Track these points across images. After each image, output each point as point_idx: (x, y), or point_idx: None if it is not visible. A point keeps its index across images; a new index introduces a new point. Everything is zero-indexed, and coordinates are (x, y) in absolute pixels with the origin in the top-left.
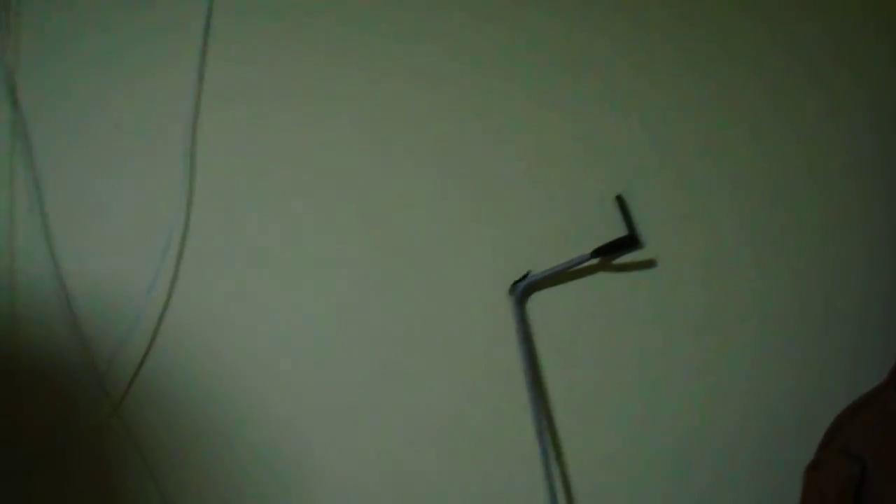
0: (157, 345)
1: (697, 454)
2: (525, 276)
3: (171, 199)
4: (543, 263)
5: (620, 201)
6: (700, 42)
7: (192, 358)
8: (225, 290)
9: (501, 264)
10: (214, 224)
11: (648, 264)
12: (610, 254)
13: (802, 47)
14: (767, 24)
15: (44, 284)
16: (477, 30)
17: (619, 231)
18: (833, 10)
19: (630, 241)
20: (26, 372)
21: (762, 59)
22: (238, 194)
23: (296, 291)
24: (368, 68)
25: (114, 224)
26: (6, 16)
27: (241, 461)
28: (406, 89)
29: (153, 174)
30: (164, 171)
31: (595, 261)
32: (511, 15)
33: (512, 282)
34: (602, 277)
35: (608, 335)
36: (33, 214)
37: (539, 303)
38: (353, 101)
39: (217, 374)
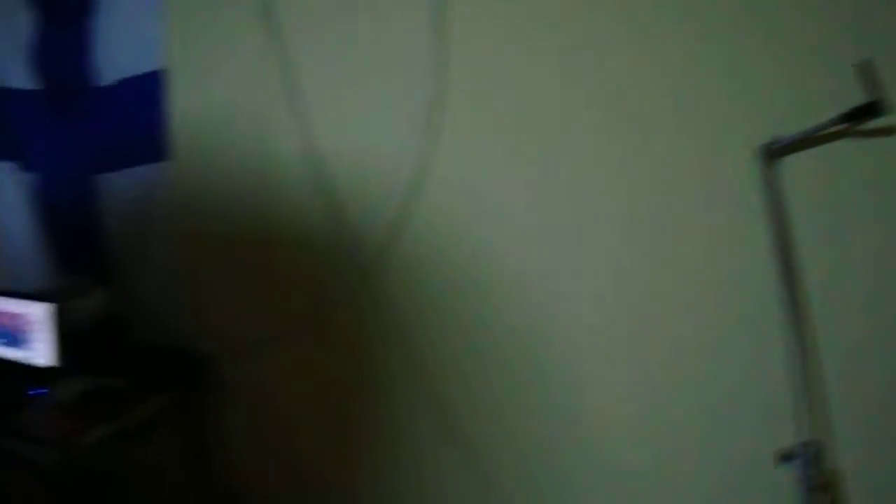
0: (410, 217)
1: None
2: (773, 141)
3: (422, 74)
4: (791, 130)
5: (864, 67)
6: None
7: (445, 234)
8: (483, 167)
9: (750, 130)
10: (473, 101)
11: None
12: (859, 118)
13: None
14: None
15: (303, 159)
16: None
17: (865, 98)
18: None
19: (876, 106)
20: (285, 243)
21: None
22: (497, 71)
23: (551, 177)
24: None
25: (369, 102)
26: None
27: (493, 337)
28: None
29: (403, 48)
30: (413, 44)
31: (843, 126)
32: None
33: (758, 145)
34: (850, 142)
35: (862, 203)
36: (288, 91)
37: (789, 167)
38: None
39: (471, 251)
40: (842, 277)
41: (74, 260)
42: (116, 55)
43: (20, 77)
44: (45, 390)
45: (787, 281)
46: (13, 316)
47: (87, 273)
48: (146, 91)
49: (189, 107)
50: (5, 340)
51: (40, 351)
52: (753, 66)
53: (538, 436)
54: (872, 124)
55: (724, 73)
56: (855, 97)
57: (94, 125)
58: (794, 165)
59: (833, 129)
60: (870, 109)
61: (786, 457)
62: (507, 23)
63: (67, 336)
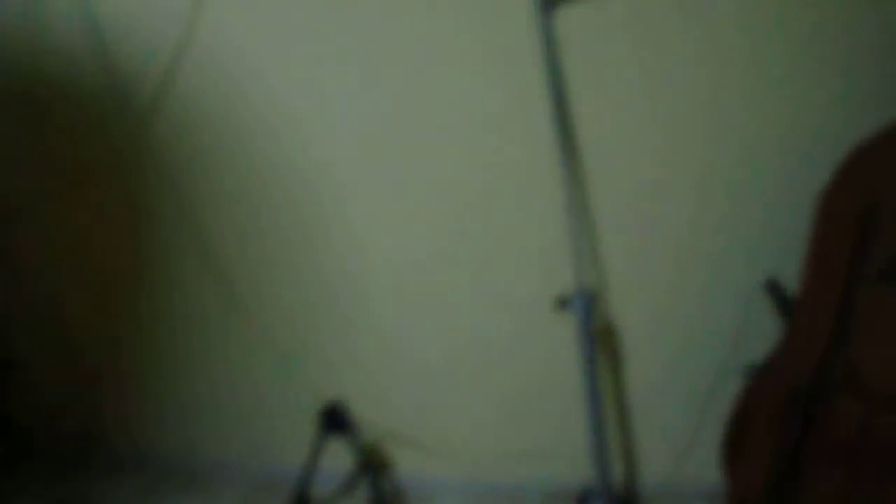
0: (181, 67)
1: (722, 183)
2: None
3: None
4: None
5: None
6: None
7: (217, 82)
8: (248, 22)
9: None
10: None
11: None
12: None
13: None
14: None
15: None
16: None
17: None
18: None
19: None
20: (54, 97)
21: None
22: None
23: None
24: None
25: None
26: None
27: (260, 174)
28: None
29: None
30: None
31: None
32: None
33: None
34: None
35: (638, 53)
36: None
37: (567, 17)
38: None
39: (243, 97)
40: (613, 130)
41: None
42: None
43: None
44: None
45: (562, 130)
46: None
47: None
48: None
49: None
50: None
51: None
52: None
53: (315, 291)
54: None
55: None
56: None
57: None
58: (571, 13)
59: None
60: None
61: (563, 302)
62: None
63: None
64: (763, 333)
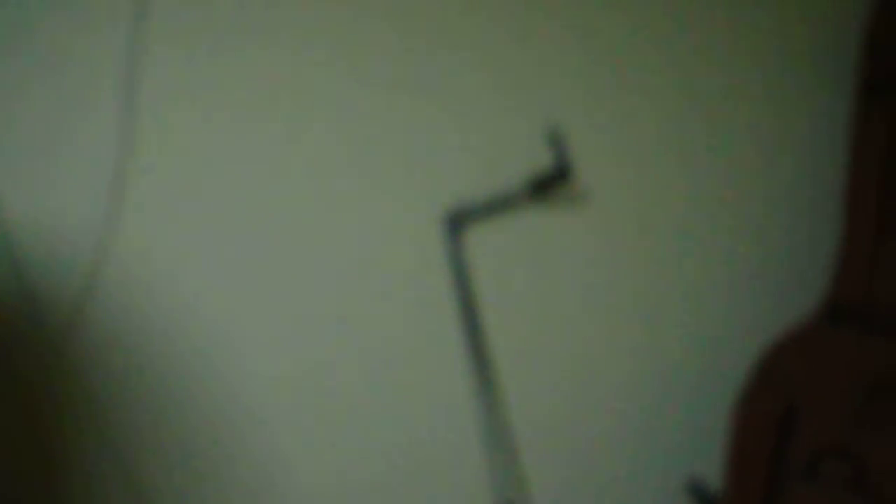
0: (99, 285)
1: (637, 391)
2: (458, 207)
3: (111, 130)
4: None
5: (553, 133)
6: None
7: (135, 299)
8: (168, 229)
9: (433, 197)
10: (157, 167)
11: (583, 197)
12: (543, 187)
13: None
14: None
15: None
16: None
17: (552, 164)
18: None
19: (561, 173)
20: None
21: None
22: (181, 139)
23: (234, 228)
24: None
25: (55, 158)
26: None
27: (180, 397)
28: (332, 16)
29: (95, 111)
30: (105, 107)
31: (528, 193)
32: None
33: (443, 213)
34: (537, 212)
35: (544, 270)
36: None
37: (473, 238)
38: (282, 32)
39: (162, 314)
40: (529, 347)
41: None
42: None
43: None
44: None
45: (476, 354)
46: None
47: None
48: None
49: None
50: None
51: None
52: (435, 133)
53: None
54: (559, 190)
55: (406, 140)
56: (543, 161)
57: None
58: (481, 232)
59: (518, 194)
60: (557, 175)
61: None
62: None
63: None
64: None
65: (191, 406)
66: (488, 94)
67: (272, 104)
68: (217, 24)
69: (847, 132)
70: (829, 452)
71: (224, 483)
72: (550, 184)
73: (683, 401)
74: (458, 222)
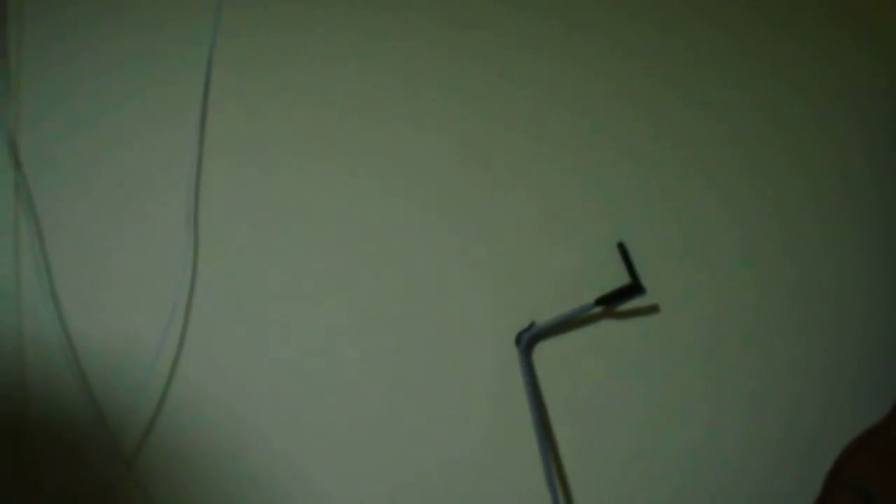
0: (168, 403)
1: (701, 496)
2: (530, 327)
3: (175, 257)
4: (548, 314)
5: (622, 248)
6: (689, 71)
7: (203, 415)
8: (233, 348)
9: (508, 316)
10: (221, 283)
11: (652, 309)
12: (613, 302)
13: (794, 69)
14: (758, 48)
15: (52, 345)
16: (480, 76)
17: (622, 278)
18: (823, 32)
19: (633, 289)
20: (38, 433)
21: (756, 88)
22: (243, 252)
23: (302, 349)
24: (372, 118)
25: (120, 283)
26: (6, 75)
27: None
28: (412, 139)
29: (157, 232)
30: (167, 227)
31: (599, 309)
32: (511, 58)
33: (517, 332)
34: (607, 325)
35: (613, 382)
36: (40, 275)
37: (545, 352)
38: (357, 154)
39: (229, 431)
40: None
41: None
42: None
43: None
44: None
45: (547, 468)
46: None
47: None
48: None
49: None
50: None
51: None
52: (509, 258)
53: None
54: (628, 305)
55: (477, 268)
56: (612, 278)
57: None
58: (552, 348)
59: (591, 312)
60: (628, 292)
61: None
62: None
63: None
64: None
65: None
66: (562, 220)
67: (340, 223)
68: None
69: None
70: None
71: None
72: (619, 299)
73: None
74: (531, 340)
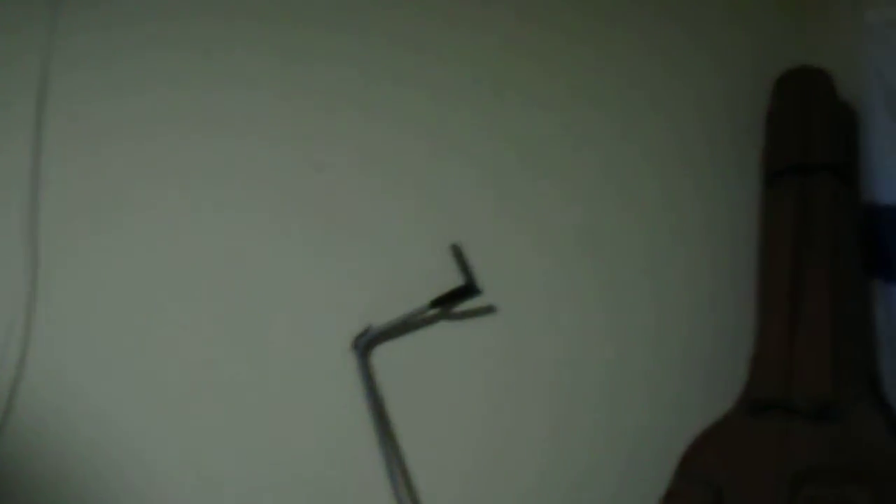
0: (12, 410)
1: (552, 494)
2: (366, 331)
3: (14, 274)
4: (386, 317)
5: (456, 250)
6: (520, 68)
7: (48, 428)
8: (76, 360)
9: (342, 321)
10: (63, 292)
11: (488, 309)
12: (449, 303)
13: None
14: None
15: None
16: (313, 78)
17: (457, 280)
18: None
19: (467, 289)
20: None
21: (608, 96)
22: (86, 260)
23: (144, 358)
24: (203, 131)
25: None
26: None
27: None
28: (234, 148)
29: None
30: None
31: (435, 311)
32: (341, 57)
33: (353, 337)
34: (444, 326)
35: (454, 382)
36: None
37: (385, 356)
38: (194, 165)
39: (74, 443)
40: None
41: None
42: None
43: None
44: None
45: (389, 461)
46: None
47: None
48: None
49: None
50: None
51: None
52: (343, 260)
53: None
54: (466, 306)
55: (313, 274)
56: (446, 280)
57: None
58: (391, 351)
59: (428, 314)
60: (462, 293)
61: None
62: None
63: None
64: None
65: None
66: (396, 224)
67: (176, 230)
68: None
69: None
70: None
71: None
72: (454, 300)
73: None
74: (367, 345)
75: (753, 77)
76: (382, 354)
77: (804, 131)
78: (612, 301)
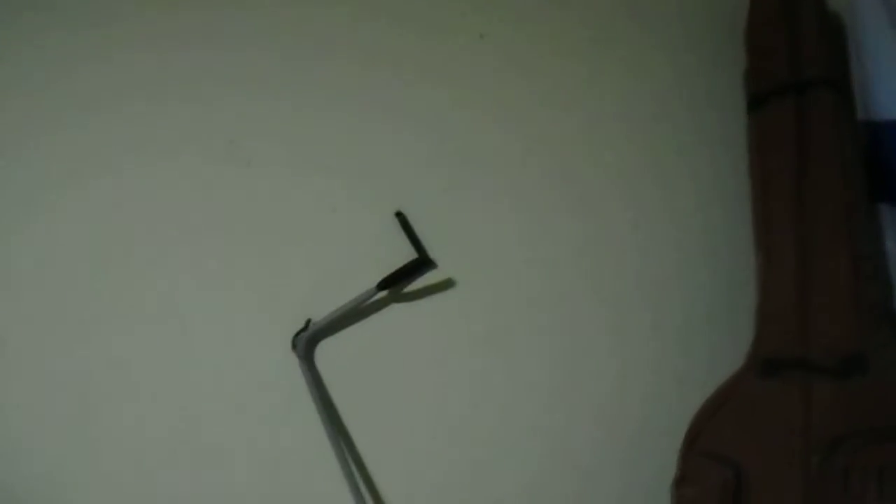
0: None
1: (504, 482)
2: (306, 327)
3: None
4: (327, 309)
5: (402, 219)
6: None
7: None
8: None
9: (276, 320)
10: None
11: (446, 284)
12: (400, 282)
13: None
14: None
15: None
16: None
17: (408, 254)
18: None
19: (420, 264)
20: None
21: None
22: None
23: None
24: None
25: None
26: None
27: None
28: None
29: None
30: None
31: (384, 293)
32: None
33: (293, 335)
34: (397, 309)
35: (417, 374)
36: None
37: (331, 350)
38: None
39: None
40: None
41: None
42: None
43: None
44: None
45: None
46: None
47: None
48: None
49: None
50: None
51: None
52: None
53: None
54: (419, 284)
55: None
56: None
57: None
58: (338, 344)
59: (376, 298)
60: (415, 268)
61: None
62: None
63: None
64: None
65: None
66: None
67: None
68: None
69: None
70: None
71: None
72: (406, 278)
73: (609, 494)
74: (309, 342)
75: None
76: (329, 351)
77: (793, 44)
78: (594, 260)
